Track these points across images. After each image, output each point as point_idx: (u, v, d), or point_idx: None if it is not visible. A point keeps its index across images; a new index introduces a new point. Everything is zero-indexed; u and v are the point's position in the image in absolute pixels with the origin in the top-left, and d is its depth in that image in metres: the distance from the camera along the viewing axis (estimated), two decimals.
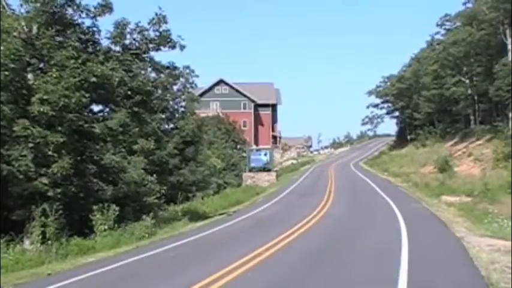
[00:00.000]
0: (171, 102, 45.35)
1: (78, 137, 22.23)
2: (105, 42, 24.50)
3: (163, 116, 41.14)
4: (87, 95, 21.10)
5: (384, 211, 26.87)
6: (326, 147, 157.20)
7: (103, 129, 23.49)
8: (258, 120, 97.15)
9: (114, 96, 23.87)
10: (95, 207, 21.73)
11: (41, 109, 19.77)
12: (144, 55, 25.68)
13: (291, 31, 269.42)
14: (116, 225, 21.96)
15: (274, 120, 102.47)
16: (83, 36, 23.59)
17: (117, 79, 22.90)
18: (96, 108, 25.35)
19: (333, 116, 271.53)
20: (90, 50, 23.83)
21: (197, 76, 55.85)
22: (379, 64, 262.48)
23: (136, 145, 33.46)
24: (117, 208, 22.24)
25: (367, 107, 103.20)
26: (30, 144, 19.92)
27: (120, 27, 24.45)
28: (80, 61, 21.50)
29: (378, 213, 26.43)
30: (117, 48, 24.77)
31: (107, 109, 25.72)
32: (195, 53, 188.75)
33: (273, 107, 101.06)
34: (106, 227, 21.48)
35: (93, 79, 21.60)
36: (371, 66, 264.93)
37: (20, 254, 17.46)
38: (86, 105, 22.14)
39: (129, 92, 24.14)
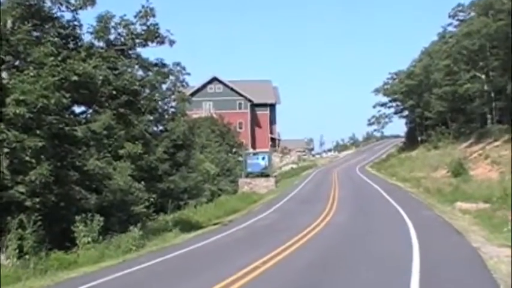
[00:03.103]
0: (160, 103, 45.17)
1: (59, 141, 22.14)
2: (87, 38, 24.46)
3: (151, 118, 41.01)
4: (67, 95, 21.02)
5: (393, 219, 26.78)
6: (329, 150, 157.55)
7: (86, 132, 23.40)
8: (255, 121, 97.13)
9: (98, 97, 23.78)
10: (77, 217, 21.62)
11: (17, 111, 19.64)
12: (130, 51, 25.61)
13: (290, 24, 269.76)
14: (101, 237, 21.85)
15: (272, 121, 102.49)
16: (62, 31, 23.49)
17: (100, 78, 22.81)
18: (78, 109, 25.31)
19: (337, 116, 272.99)
20: (70, 46, 23.75)
21: (188, 74, 55.47)
22: (386, 59, 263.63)
23: (122, 149, 33.38)
24: (101, 218, 22.13)
25: (374, 106, 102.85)
26: (6, 150, 19.79)
27: (104, 21, 24.37)
28: (59, 58, 21.42)
29: (386, 221, 26.34)
30: (101, 44, 24.69)
31: (90, 110, 25.66)
32: (187, 49, 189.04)
33: (271, 106, 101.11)
34: (89, 239, 21.37)
35: (75, 78, 21.51)
36: (378, 62, 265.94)
37: None
38: (66, 106, 22.07)
39: (114, 92, 24.02)
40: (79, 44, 24.08)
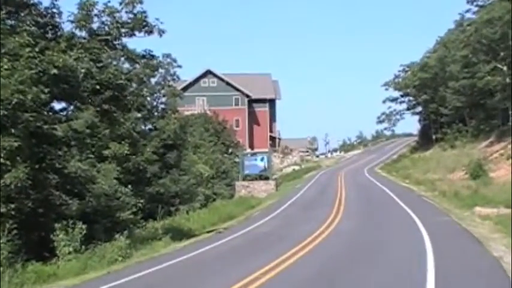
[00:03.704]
0: (148, 98, 45.37)
1: (36, 141, 22.09)
2: (67, 27, 24.43)
3: (139, 115, 41.05)
4: (46, 90, 20.97)
5: (405, 226, 26.73)
6: (335, 150, 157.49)
7: (66, 131, 23.38)
8: (253, 119, 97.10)
9: (80, 92, 23.73)
10: (57, 225, 21.61)
11: None
12: (115, 42, 25.60)
13: (291, 13, 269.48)
14: (83, 246, 21.85)
15: (272, 118, 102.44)
16: (40, 20, 23.47)
17: (82, 71, 22.81)
18: (58, 106, 25.26)
19: (343, 113, 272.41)
20: (49, 36, 23.75)
21: (180, 67, 56.04)
22: (397, 50, 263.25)
23: (107, 150, 33.38)
24: (84, 226, 22.16)
25: (384, 102, 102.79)
26: None
27: (86, 8, 24.35)
28: (37, 49, 21.39)
29: (398, 229, 26.29)
30: (83, 34, 24.70)
31: (71, 107, 25.63)
32: (178, 40, 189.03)
33: (271, 102, 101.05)
34: (71, 249, 21.36)
35: (54, 71, 21.47)
36: (388, 53, 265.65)
37: None
38: (45, 102, 22.00)
39: (97, 87, 24.03)
40: (58, 33, 24.07)
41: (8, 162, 20.12)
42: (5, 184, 19.89)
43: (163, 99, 51.25)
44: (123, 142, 33.94)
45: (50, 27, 24.02)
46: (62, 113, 25.16)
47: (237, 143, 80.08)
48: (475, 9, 74.53)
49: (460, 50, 70.78)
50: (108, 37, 25.05)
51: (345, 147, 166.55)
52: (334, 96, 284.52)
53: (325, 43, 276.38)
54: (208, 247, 24.57)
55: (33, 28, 22.54)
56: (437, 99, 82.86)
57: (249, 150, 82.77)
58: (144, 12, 25.29)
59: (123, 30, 25.27)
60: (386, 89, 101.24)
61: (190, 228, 34.16)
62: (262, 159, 66.33)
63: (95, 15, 24.74)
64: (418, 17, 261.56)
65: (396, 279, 14.92)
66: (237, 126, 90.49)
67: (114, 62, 25.95)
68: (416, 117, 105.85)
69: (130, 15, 25.19)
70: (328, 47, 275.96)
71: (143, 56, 27.49)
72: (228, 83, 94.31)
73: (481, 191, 37.56)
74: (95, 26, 24.86)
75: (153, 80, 48.35)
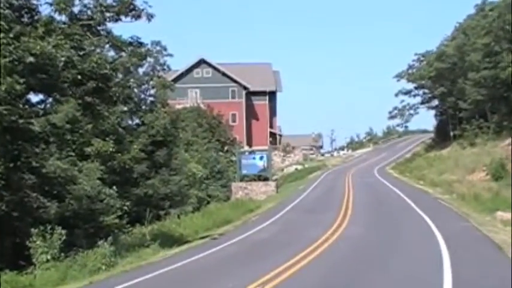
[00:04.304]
0: (135, 90, 45.27)
1: (11, 137, 22.08)
2: (45, 10, 24.36)
3: (125, 109, 40.99)
4: (22, 80, 20.94)
5: (419, 233, 26.80)
6: (342, 149, 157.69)
7: (44, 126, 23.35)
8: (251, 113, 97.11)
9: (59, 82, 23.71)
10: (33, 230, 21.59)
11: None
12: (98, 27, 25.57)
13: None
14: (63, 254, 21.87)
15: (272, 112, 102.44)
16: (15, 2, 23.41)
17: (62, 59, 22.77)
18: (34, 98, 25.21)
19: (351, 108, 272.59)
20: (25, 20, 23.68)
21: (170, 55, 55.68)
22: (411, 38, 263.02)
23: (89, 147, 33.28)
24: (63, 231, 22.14)
25: (396, 95, 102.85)
26: None
27: None
28: (11, 35, 21.34)
29: (411, 236, 26.35)
30: (63, 18, 24.64)
31: (50, 99, 25.59)
32: (169, 26, 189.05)
33: (271, 95, 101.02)
34: (49, 256, 21.36)
35: (30, 59, 21.45)
36: (401, 41, 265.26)
37: None
38: (20, 94, 21.98)
39: (79, 77, 23.99)
40: (35, 17, 24.02)
41: None
42: None
43: (152, 91, 51.14)
44: (107, 138, 33.82)
45: (26, 10, 23.98)
46: (39, 106, 25.14)
47: (234, 140, 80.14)
48: None
49: (481, 37, 70.78)
50: (91, 22, 25.03)
51: (353, 145, 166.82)
52: (341, 88, 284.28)
53: (331, 30, 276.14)
54: (201, 255, 24.57)
55: (6, 11, 22.48)
56: (456, 92, 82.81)
57: (246, 147, 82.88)
58: None
59: (107, 14, 25.27)
60: (398, 80, 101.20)
61: (181, 234, 34.16)
62: (261, 158, 66.33)
63: None
64: (434, 0, 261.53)
65: None
66: (234, 121, 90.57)
67: (98, 50, 25.84)
68: (432, 112, 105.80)
69: None
70: (334, 35, 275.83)
71: (130, 43, 27.45)
72: (223, 74, 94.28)
73: (503, 193, 37.60)
74: (76, 9, 24.86)
75: (141, 70, 48.23)
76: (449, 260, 18.85)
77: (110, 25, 25.83)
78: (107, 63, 25.38)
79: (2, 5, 22.62)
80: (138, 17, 25.67)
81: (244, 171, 64.87)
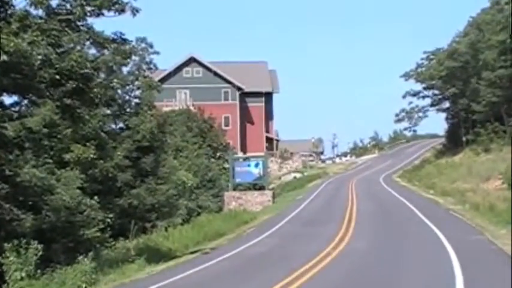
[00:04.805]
0: (119, 91, 45.27)
1: None
2: (20, 4, 24.31)
3: (108, 111, 41.01)
4: None
5: (429, 247, 26.78)
6: (344, 155, 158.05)
7: (19, 130, 23.33)
8: (245, 116, 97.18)
9: (36, 83, 23.66)
10: (7, 245, 21.56)
11: None
12: (78, 23, 25.50)
13: None
14: (39, 271, 21.83)
15: (269, 115, 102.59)
16: None
17: (39, 57, 22.72)
18: (8, 100, 25.13)
19: (354, 110, 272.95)
20: None
21: (157, 53, 55.69)
22: (420, 34, 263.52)
23: (69, 154, 33.28)
24: (40, 246, 22.09)
25: (404, 97, 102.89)
26: None
27: None
28: None
29: (421, 249, 26.33)
30: (39, 13, 24.57)
31: (25, 101, 25.53)
32: (156, 23, 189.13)
33: (267, 96, 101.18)
34: (23, 274, 21.32)
35: (4, 57, 21.42)
36: (408, 38, 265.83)
37: None
38: None
39: (57, 77, 23.93)
40: (9, 12, 23.95)
41: None
42: None
43: (138, 93, 51.09)
44: (88, 144, 33.89)
45: None
46: (13, 109, 25.07)
47: (227, 145, 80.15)
48: None
49: (496, 33, 70.93)
50: (71, 17, 24.96)
51: (357, 150, 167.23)
52: (344, 89, 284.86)
53: (333, 28, 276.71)
54: (191, 271, 24.59)
55: None
56: (469, 93, 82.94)
57: (240, 154, 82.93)
58: None
59: (88, 8, 25.20)
60: (406, 80, 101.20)
61: (169, 249, 34.17)
62: (256, 165, 66.44)
63: None
64: None
65: None
66: (227, 124, 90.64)
67: (78, 47, 25.80)
68: (443, 115, 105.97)
69: None
70: (336, 33, 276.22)
71: (113, 40, 27.37)
72: (215, 73, 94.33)
73: None
74: (54, 3, 24.80)
75: (125, 69, 48.27)
76: (462, 277, 18.80)
77: (91, 20, 25.77)
78: (87, 61, 25.30)
79: None
80: (121, 11, 25.61)
81: (238, 180, 64.92)
